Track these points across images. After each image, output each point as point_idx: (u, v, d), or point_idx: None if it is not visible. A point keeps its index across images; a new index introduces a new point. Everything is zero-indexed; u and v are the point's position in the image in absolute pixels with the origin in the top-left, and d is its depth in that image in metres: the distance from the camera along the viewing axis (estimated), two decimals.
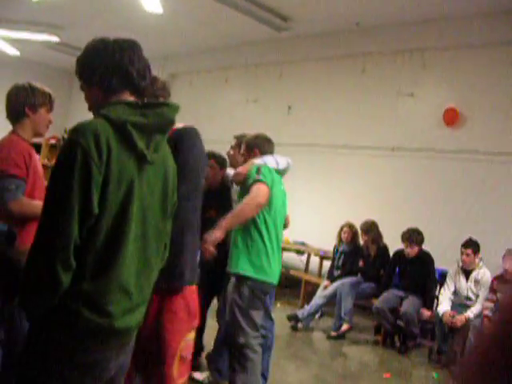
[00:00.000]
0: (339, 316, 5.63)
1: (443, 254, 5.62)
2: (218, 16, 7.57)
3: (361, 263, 6.07)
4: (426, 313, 5.30)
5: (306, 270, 7.35)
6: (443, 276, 5.47)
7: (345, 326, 5.59)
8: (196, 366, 3.76)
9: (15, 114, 2.61)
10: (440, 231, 6.19)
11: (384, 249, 5.97)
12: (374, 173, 7.15)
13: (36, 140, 2.79)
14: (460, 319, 4.83)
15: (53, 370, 1.51)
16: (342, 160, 7.53)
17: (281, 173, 3.37)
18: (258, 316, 3.10)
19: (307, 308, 5.83)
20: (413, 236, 5.43)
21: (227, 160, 3.93)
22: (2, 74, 9.93)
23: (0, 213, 2.43)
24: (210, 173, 3.64)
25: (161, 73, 9.33)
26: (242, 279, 3.05)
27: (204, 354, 3.98)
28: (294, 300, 6.95)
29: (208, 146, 2.65)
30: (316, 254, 7.19)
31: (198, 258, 2.53)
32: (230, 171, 3.71)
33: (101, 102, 1.62)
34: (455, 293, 5.15)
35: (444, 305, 5.03)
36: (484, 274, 4.99)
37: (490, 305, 4.82)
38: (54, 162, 1.53)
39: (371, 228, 5.95)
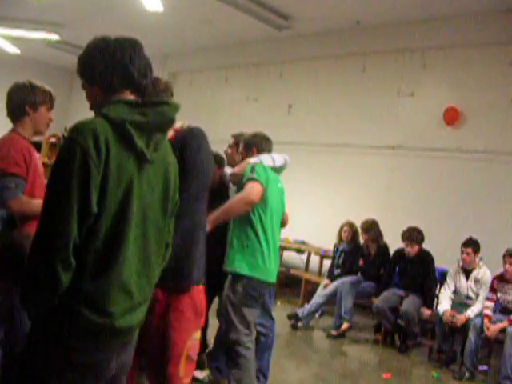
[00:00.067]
0: (339, 315, 5.63)
1: (443, 253, 5.61)
2: (219, 15, 7.56)
3: (361, 262, 6.07)
4: (426, 312, 5.30)
5: (306, 268, 7.35)
6: (443, 275, 5.47)
7: (345, 325, 5.59)
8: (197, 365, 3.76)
9: (16, 112, 2.60)
10: (440, 230, 6.19)
11: (384, 248, 5.97)
12: (375, 172, 7.15)
13: (36, 138, 2.79)
14: (460, 318, 4.83)
15: (53, 370, 1.50)
16: (343, 159, 7.52)
17: (278, 170, 3.36)
18: (250, 314, 3.10)
19: (307, 307, 5.83)
20: (413, 235, 5.42)
21: (225, 159, 3.93)
22: (2, 73, 9.91)
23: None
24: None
25: (161, 71, 9.34)
26: (236, 277, 3.06)
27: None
28: (294, 299, 6.95)
29: None
30: (316, 253, 7.19)
31: None
32: (228, 170, 3.70)
33: (101, 101, 1.62)
34: (455, 292, 5.14)
35: (444, 304, 5.03)
36: (484, 273, 4.99)
37: (491, 304, 4.82)
38: (54, 160, 1.53)
39: (372, 227, 5.94)
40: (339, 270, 6.14)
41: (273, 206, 3.19)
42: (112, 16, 7.97)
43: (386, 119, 7.17)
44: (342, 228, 6.29)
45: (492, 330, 4.61)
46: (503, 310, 4.86)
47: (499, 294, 4.88)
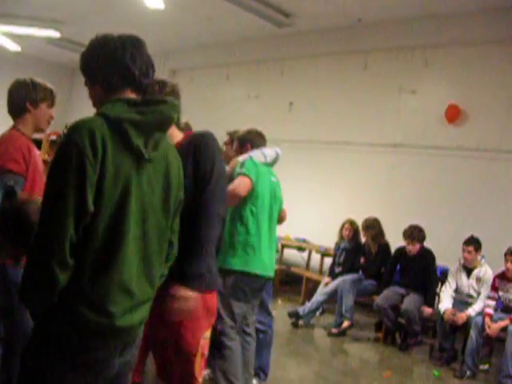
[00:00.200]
0: (340, 313, 5.63)
1: (444, 251, 5.61)
2: (220, 12, 7.55)
3: (362, 260, 6.07)
4: (428, 310, 5.29)
5: (307, 266, 7.35)
6: (444, 273, 5.47)
7: (346, 323, 5.58)
8: None
9: (16, 109, 2.60)
10: (441, 228, 6.19)
11: (385, 246, 5.96)
12: (376, 169, 7.14)
13: (37, 136, 2.78)
14: (461, 317, 4.82)
15: (54, 369, 1.50)
16: (344, 156, 7.51)
17: (270, 164, 3.35)
18: (238, 306, 3.06)
19: (308, 305, 5.83)
20: (414, 233, 5.42)
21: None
22: (3, 70, 9.91)
23: None
24: None
25: (162, 69, 9.33)
26: (227, 271, 3.02)
27: None
28: (294, 297, 6.95)
29: None
30: (317, 251, 7.19)
31: None
32: (226, 168, 3.69)
33: (103, 99, 1.61)
34: (457, 290, 5.14)
35: (445, 302, 5.02)
36: (485, 271, 4.98)
37: (492, 303, 4.81)
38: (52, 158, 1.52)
39: (373, 225, 5.94)
40: (340, 268, 6.13)
41: (264, 200, 3.16)
42: (113, 13, 7.96)
43: (387, 117, 7.16)
44: (343, 226, 6.28)
45: (493, 328, 4.61)
46: (504, 308, 4.85)
47: (500, 293, 4.87)
